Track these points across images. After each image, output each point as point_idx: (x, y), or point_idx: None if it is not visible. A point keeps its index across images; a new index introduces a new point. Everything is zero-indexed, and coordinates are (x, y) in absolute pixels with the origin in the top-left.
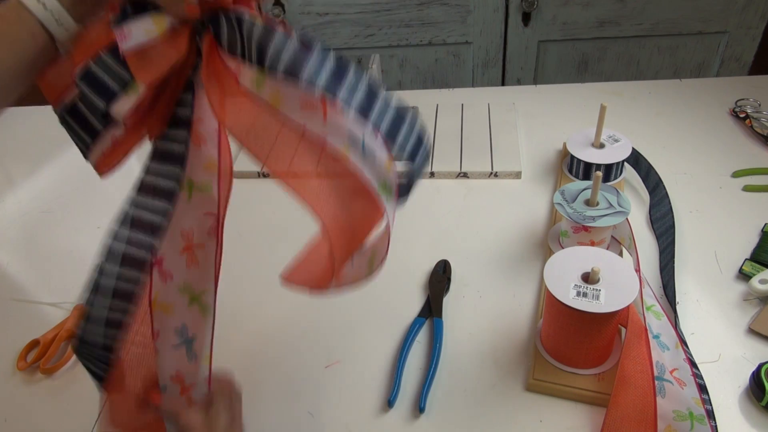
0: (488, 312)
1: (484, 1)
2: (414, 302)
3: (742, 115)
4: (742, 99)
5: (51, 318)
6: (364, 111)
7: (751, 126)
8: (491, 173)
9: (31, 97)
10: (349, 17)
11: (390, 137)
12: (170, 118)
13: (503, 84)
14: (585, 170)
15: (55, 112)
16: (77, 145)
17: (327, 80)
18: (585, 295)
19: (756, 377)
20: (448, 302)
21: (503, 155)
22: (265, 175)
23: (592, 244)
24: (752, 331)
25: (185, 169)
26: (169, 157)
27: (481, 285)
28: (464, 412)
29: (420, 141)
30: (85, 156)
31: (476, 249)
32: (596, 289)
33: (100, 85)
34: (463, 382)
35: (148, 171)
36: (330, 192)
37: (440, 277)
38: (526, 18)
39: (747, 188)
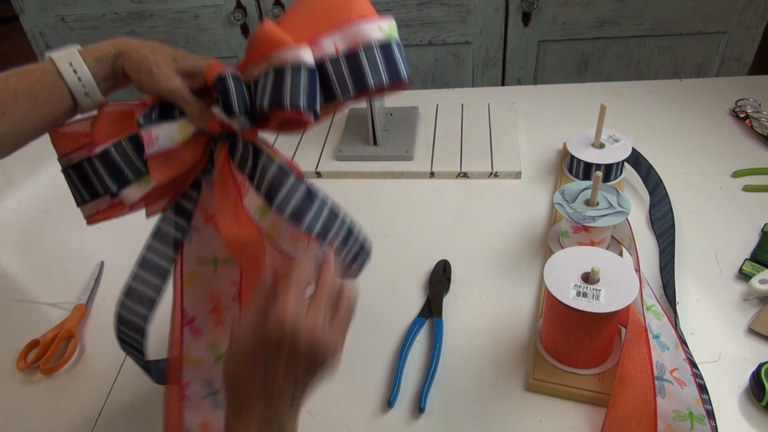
0: (488, 312)
1: (484, 1)
2: (414, 302)
3: (742, 115)
4: (742, 99)
5: (51, 318)
6: (340, 243)
7: (751, 126)
8: (491, 173)
9: None
10: None
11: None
12: (174, 206)
13: (503, 84)
14: (585, 170)
15: (59, 161)
16: (73, 193)
17: (320, 228)
18: (585, 295)
19: (756, 377)
20: (448, 302)
21: (503, 155)
22: None
23: (592, 244)
24: (752, 331)
25: (179, 252)
26: (165, 240)
27: (481, 285)
28: (464, 412)
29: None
30: (78, 204)
31: (476, 249)
32: (596, 289)
33: (115, 168)
34: (463, 382)
35: (148, 248)
36: None
37: (440, 277)
38: (526, 18)
39: (747, 188)
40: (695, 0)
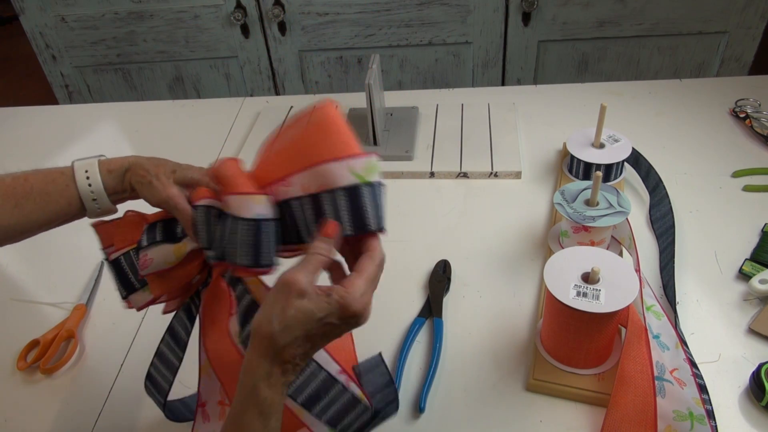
0: (488, 312)
1: (484, 1)
2: (414, 302)
3: (742, 115)
4: (742, 99)
5: (51, 318)
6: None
7: (751, 126)
8: (491, 173)
9: (30, 96)
10: (349, 17)
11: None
12: (184, 307)
13: (503, 84)
14: (585, 170)
15: (103, 251)
16: (115, 283)
17: (306, 398)
18: (585, 295)
19: (756, 377)
20: (448, 302)
21: (503, 155)
22: None
23: (592, 244)
24: (752, 331)
25: (184, 350)
26: (175, 337)
27: (481, 285)
28: (464, 412)
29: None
30: (123, 297)
31: (476, 249)
32: (596, 289)
33: (123, 275)
34: (463, 382)
35: (162, 340)
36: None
37: (440, 277)
38: (526, 18)
39: (747, 188)
40: (695, 0)
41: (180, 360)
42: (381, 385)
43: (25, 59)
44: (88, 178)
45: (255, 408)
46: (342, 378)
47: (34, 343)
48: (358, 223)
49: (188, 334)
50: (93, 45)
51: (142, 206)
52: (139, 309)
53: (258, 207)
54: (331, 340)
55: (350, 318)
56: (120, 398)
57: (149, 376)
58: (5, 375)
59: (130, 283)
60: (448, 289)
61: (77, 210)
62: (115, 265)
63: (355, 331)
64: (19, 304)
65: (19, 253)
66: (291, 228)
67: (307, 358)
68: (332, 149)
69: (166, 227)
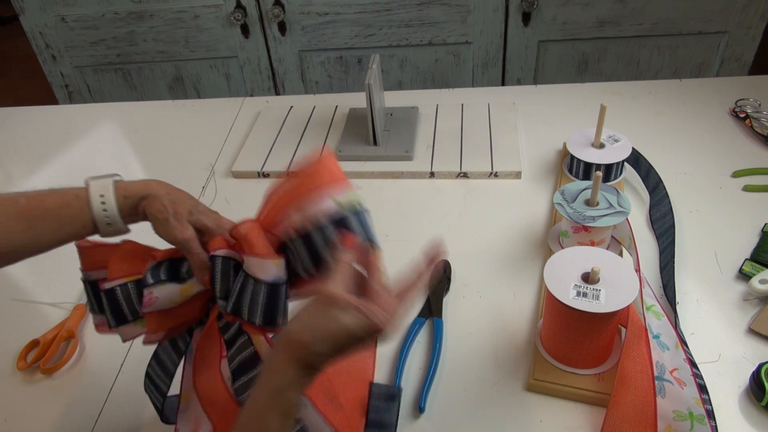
0: (488, 312)
1: (484, 1)
2: (414, 302)
3: (742, 115)
4: (742, 99)
5: (51, 318)
6: None
7: (751, 126)
8: (491, 173)
9: (30, 96)
10: (349, 17)
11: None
12: (169, 342)
13: (503, 84)
14: (585, 170)
15: (82, 271)
16: (88, 300)
17: None
18: (585, 295)
19: (756, 377)
20: (448, 302)
21: (503, 155)
22: (265, 175)
23: (592, 244)
24: (752, 331)
25: (171, 378)
26: (162, 366)
27: (481, 285)
28: (464, 412)
29: None
30: (91, 311)
31: (476, 249)
32: (596, 289)
33: (117, 306)
34: (463, 382)
35: (150, 364)
36: None
37: (440, 277)
38: (526, 18)
39: (747, 188)
40: (695, 0)
41: (168, 387)
42: (384, 421)
43: (25, 59)
44: (103, 203)
45: (279, 408)
46: None
47: (34, 343)
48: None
49: (175, 366)
50: (93, 45)
51: (140, 233)
52: (125, 341)
53: (277, 270)
54: (357, 351)
55: (379, 335)
56: (120, 398)
57: (148, 375)
58: (5, 375)
59: (123, 316)
60: (448, 289)
61: (90, 231)
62: (109, 295)
63: None
64: (19, 304)
65: None
66: (294, 264)
67: (330, 363)
68: (316, 181)
69: (171, 266)
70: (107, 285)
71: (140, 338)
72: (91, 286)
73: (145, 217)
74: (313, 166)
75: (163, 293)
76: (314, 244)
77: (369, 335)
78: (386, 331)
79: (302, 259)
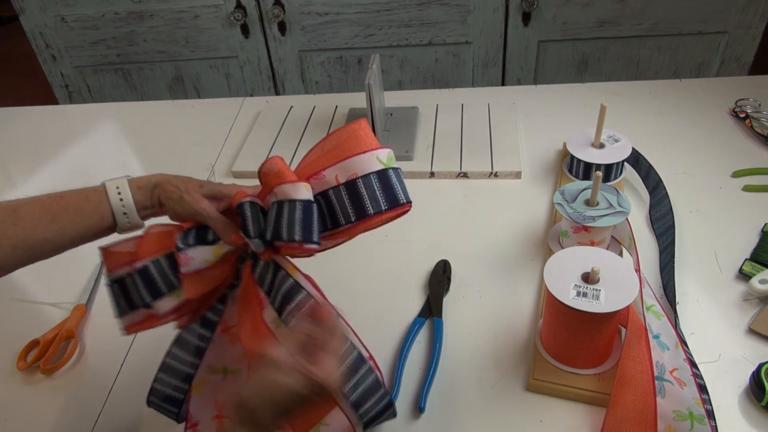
0: (488, 312)
1: (484, 1)
2: (414, 302)
3: (742, 115)
4: (742, 99)
5: (51, 318)
6: (344, 378)
7: (751, 126)
8: (491, 173)
9: (30, 96)
10: (349, 17)
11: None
12: (199, 318)
13: (503, 84)
14: (585, 170)
15: (106, 275)
16: (114, 304)
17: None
18: (585, 295)
19: (756, 377)
20: (448, 302)
21: (503, 155)
22: None
23: (592, 244)
24: (752, 331)
25: (201, 358)
26: (187, 348)
27: (481, 285)
28: (464, 412)
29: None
30: (118, 316)
31: (476, 249)
32: (596, 289)
33: (151, 282)
34: (463, 382)
35: (168, 354)
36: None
37: (440, 277)
38: (526, 18)
39: (747, 188)
40: (695, 0)
41: (196, 368)
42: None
43: (25, 59)
44: (119, 194)
45: None
46: (370, 362)
47: (34, 343)
48: (391, 199)
49: (206, 342)
50: (93, 45)
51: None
52: (162, 319)
53: (307, 192)
54: (312, 408)
55: (324, 391)
56: (120, 398)
57: (154, 392)
58: (5, 375)
59: (157, 289)
60: (448, 289)
61: (109, 224)
62: (143, 273)
63: (356, 331)
64: (19, 304)
65: None
66: (327, 216)
67: (280, 422)
68: (359, 146)
69: (198, 233)
70: (140, 264)
71: (139, 341)
72: (119, 284)
73: (160, 207)
74: (351, 131)
75: (197, 253)
76: (359, 193)
77: (315, 394)
78: (332, 389)
79: (343, 208)
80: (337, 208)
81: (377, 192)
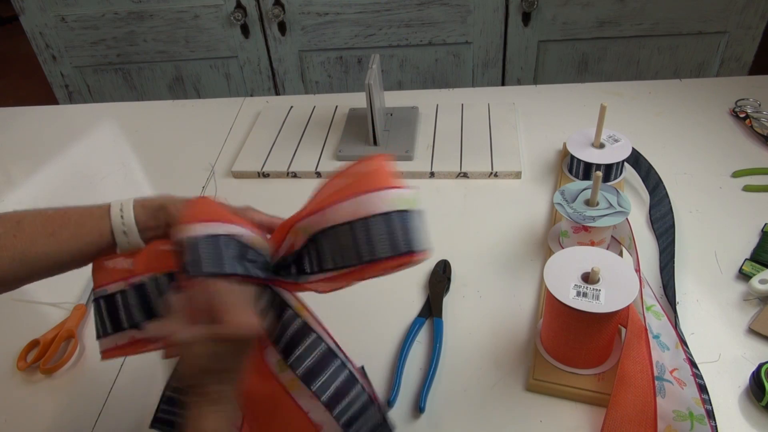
0: (488, 312)
1: (484, 1)
2: (414, 302)
3: (742, 115)
4: (742, 99)
5: (51, 318)
6: (351, 422)
7: (751, 126)
8: (491, 173)
9: (30, 96)
10: (349, 17)
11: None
12: None
13: (503, 84)
14: (585, 170)
15: (94, 291)
16: (96, 324)
17: (331, 394)
18: (585, 295)
19: (756, 377)
20: (448, 302)
21: (503, 155)
22: (265, 175)
23: (592, 244)
24: (752, 331)
25: None
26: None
27: (481, 285)
28: (464, 412)
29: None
30: (98, 336)
31: (476, 249)
32: (596, 289)
33: (146, 301)
34: (463, 382)
35: (167, 386)
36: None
37: (440, 277)
38: (526, 18)
39: (747, 188)
40: (695, 0)
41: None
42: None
43: (25, 59)
44: (121, 210)
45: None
46: (341, 355)
47: (34, 343)
48: (408, 243)
49: None
50: (93, 45)
51: None
52: (149, 344)
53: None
54: (237, 356)
55: (241, 341)
56: (120, 398)
57: (158, 419)
58: (5, 375)
59: (151, 310)
60: (448, 289)
61: (108, 243)
62: (138, 290)
63: (356, 331)
64: (19, 304)
65: None
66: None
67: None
68: (374, 184)
69: None
70: (136, 279)
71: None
72: (106, 301)
73: (165, 228)
74: (371, 167)
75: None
76: (376, 231)
77: (232, 343)
78: (242, 331)
79: (359, 246)
80: (352, 248)
81: (397, 235)
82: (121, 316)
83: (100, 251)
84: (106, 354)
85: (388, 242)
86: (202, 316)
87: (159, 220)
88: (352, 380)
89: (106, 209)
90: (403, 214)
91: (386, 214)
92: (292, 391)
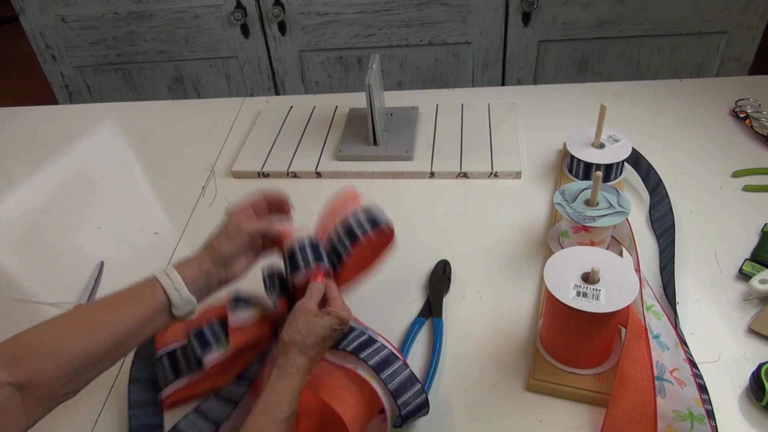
0: (488, 312)
1: (484, 1)
2: (414, 302)
3: (742, 115)
4: (742, 99)
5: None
6: (379, 368)
7: (751, 126)
8: (491, 173)
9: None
10: (349, 17)
11: (396, 395)
12: (237, 376)
13: (503, 84)
14: (585, 170)
15: (157, 353)
16: (159, 377)
17: (354, 347)
18: (585, 295)
19: (756, 377)
20: (448, 302)
21: (503, 155)
22: (265, 175)
23: (592, 244)
24: (752, 331)
25: (236, 408)
26: (229, 400)
27: (481, 285)
28: (464, 412)
29: (419, 408)
30: (160, 389)
31: (476, 249)
32: (596, 289)
33: (204, 340)
34: (463, 382)
35: (200, 407)
36: (353, 397)
37: (440, 277)
38: (526, 18)
39: (747, 188)
40: (695, 0)
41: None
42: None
43: (25, 59)
44: (166, 274)
45: (289, 386)
46: (401, 360)
47: None
48: (373, 224)
49: (241, 396)
50: (93, 45)
51: None
52: (209, 370)
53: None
54: (334, 339)
55: (344, 324)
56: (120, 398)
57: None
58: None
59: (208, 345)
60: (448, 289)
61: (163, 304)
62: (199, 335)
63: None
64: (19, 304)
65: (19, 253)
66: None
67: (322, 352)
68: (347, 202)
69: (245, 302)
70: (195, 330)
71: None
72: (169, 356)
73: (217, 273)
74: (343, 197)
75: (242, 314)
76: (351, 226)
77: (340, 326)
78: (346, 320)
79: (342, 240)
80: (337, 243)
81: (362, 220)
82: (180, 366)
83: (156, 312)
84: (169, 399)
85: (360, 227)
86: (318, 300)
87: (206, 274)
88: (394, 357)
89: (152, 278)
90: (365, 209)
91: (353, 213)
92: (326, 356)
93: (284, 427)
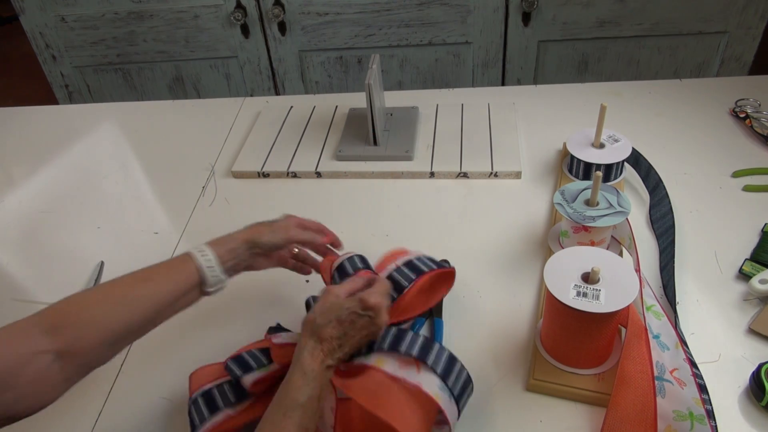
0: (488, 312)
1: (484, 1)
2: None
3: (742, 115)
4: (742, 99)
5: None
6: (445, 375)
7: (751, 126)
8: (491, 173)
9: (30, 96)
10: (349, 17)
11: (459, 398)
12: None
13: (503, 84)
14: (585, 170)
15: (190, 399)
16: (192, 419)
17: (418, 351)
18: (585, 295)
19: (756, 377)
20: (448, 302)
21: (503, 155)
22: (265, 175)
23: (592, 244)
24: (752, 331)
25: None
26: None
27: (481, 285)
28: (464, 412)
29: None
30: (195, 426)
31: (476, 249)
32: (596, 289)
33: (244, 363)
34: None
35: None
36: (415, 415)
37: None
38: (526, 18)
39: (747, 188)
40: (695, 0)
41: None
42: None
43: (25, 59)
44: (201, 251)
45: (300, 371)
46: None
47: None
48: (435, 262)
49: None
50: (93, 45)
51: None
52: (251, 390)
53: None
54: (359, 329)
55: (368, 309)
56: (120, 398)
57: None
58: None
59: (249, 367)
60: None
61: (195, 281)
62: (239, 359)
63: None
64: (19, 304)
65: (19, 253)
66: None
67: (343, 342)
68: (400, 252)
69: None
70: (235, 357)
71: (139, 342)
72: (204, 396)
73: (249, 261)
74: (395, 250)
75: (283, 336)
76: (415, 263)
77: (363, 310)
78: (372, 306)
79: (405, 272)
80: (398, 276)
81: (425, 260)
82: (216, 400)
83: (189, 287)
84: None
85: (424, 264)
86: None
87: (237, 256)
88: (431, 343)
89: (187, 254)
90: (422, 256)
91: (417, 256)
92: (381, 367)
93: (297, 417)
